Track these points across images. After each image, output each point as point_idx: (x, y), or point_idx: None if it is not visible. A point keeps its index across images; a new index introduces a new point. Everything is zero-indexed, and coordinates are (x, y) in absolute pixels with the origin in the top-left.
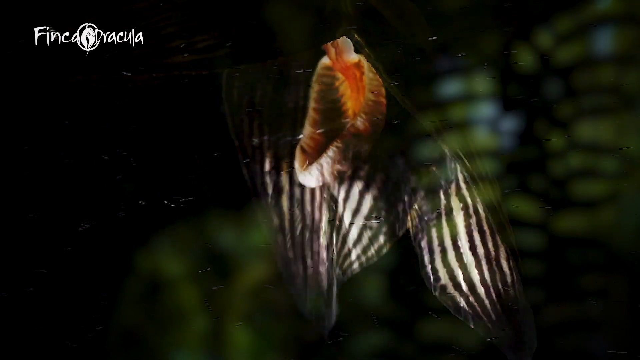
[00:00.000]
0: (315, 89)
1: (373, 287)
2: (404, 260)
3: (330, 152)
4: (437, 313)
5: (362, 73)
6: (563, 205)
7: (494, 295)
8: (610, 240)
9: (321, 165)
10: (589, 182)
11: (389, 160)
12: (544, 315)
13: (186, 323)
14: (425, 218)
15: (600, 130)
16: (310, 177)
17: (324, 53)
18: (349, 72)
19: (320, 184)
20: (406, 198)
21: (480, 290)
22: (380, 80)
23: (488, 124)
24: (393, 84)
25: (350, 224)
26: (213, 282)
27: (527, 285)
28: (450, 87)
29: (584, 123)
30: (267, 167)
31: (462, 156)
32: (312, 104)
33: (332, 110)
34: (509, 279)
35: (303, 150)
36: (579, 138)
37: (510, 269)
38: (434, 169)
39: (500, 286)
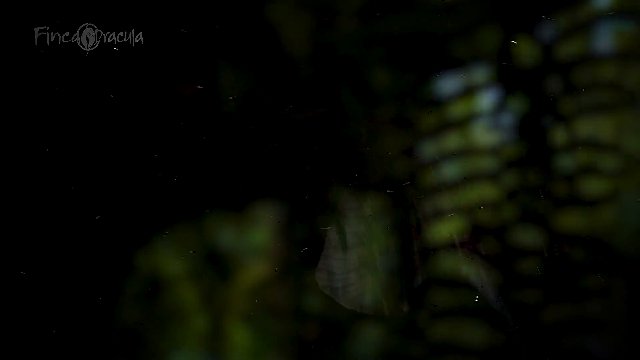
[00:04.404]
0: None
1: (373, 286)
2: (405, 260)
3: None
4: (440, 313)
5: None
6: (564, 203)
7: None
8: (611, 239)
9: None
10: (589, 179)
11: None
12: (544, 314)
13: (186, 322)
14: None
15: (600, 127)
16: None
17: None
18: None
19: None
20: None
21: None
22: None
23: (488, 120)
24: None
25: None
26: (213, 282)
27: (528, 284)
28: (450, 83)
29: (584, 120)
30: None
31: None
32: None
33: None
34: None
35: None
36: (579, 134)
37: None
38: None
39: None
